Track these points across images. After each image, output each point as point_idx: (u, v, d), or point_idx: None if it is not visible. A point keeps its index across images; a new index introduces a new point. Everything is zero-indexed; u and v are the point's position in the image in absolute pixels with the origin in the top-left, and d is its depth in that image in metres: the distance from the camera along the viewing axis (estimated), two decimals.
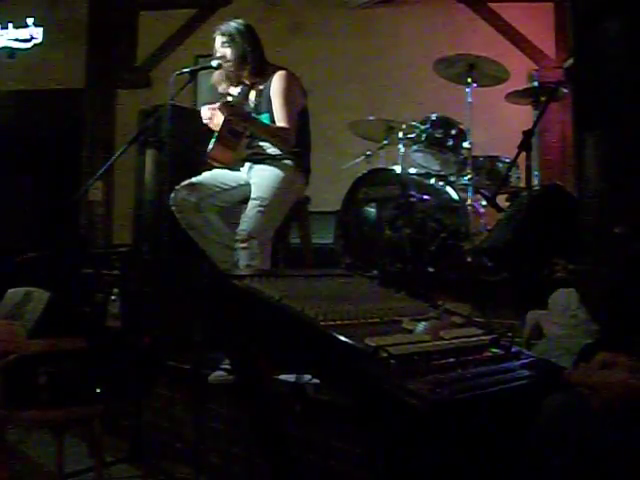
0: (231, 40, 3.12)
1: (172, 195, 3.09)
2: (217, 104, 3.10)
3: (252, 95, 3.21)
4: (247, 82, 3.21)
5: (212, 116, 3.13)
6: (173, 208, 3.09)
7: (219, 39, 3.15)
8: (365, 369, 1.32)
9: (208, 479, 2.71)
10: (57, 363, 2.50)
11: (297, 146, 3.12)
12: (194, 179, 3.12)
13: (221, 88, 3.23)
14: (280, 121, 3.06)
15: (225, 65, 3.13)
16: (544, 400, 1.33)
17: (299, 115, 3.14)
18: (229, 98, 3.19)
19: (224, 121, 3.05)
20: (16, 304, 2.86)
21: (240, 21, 3.19)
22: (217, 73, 3.18)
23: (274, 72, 3.14)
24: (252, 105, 3.20)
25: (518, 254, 2.97)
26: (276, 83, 3.10)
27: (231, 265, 2.99)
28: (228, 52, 3.13)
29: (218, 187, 3.13)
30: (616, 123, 2.23)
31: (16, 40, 3.41)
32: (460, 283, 3.25)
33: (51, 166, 5.85)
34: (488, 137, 4.40)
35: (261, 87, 3.16)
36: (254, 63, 3.14)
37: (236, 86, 3.23)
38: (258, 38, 3.20)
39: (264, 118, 3.12)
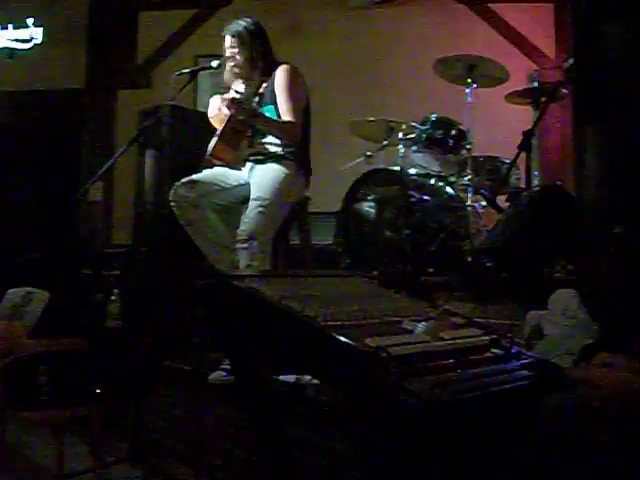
0: (241, 43, 3.11)
1: (171, 191, 3.08)
2: (227, 95, 3.08)
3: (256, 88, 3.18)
4: (256, 79, 3.18)
5: (221, 107, 3.10)
6: (172, 204, 3.08)
7: (228, 39, 3.14)
8: (365, 369, 1.32)
9: (208, 479, 2.71)
10: (57, 363, 2.50)
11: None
12: (194, 176, 3.10)
13: (233, 85, 3.21)
14: (285, 114, 3.05)
15: (234, 66, 3.13)
16: (544, 400, 1.33)
17: (303, 112, 3.14)
18: (236, 95, 3.13)
19: (228, 118, 3.04)
20: (16, 304, 2.87)
21: (249, 20, 3.18)
22: (227, 72, 3.17)
23: (278, 66, 3.14)
24: (256, 98, 3.18)
25: (518, 254, 2.97)
26: (280, 77, 3.10)
27: (230, 265, 2.98)
28: (237, 53, 3.12)
29: (218, 185, 3.13)
30: (616, 123, 2.23)
31: (16, 40, 3.42)
32: (460, 283, 3.24)
33: (51, 166, 5.85)
34: (488, 137, 4.39)
35: (265, 81, 3.15)
36: (264, 63, 3.14)
37: (242, 82, 3.20)
38: (267, 36, 3.19)
39: (268, 110, 3.11)
